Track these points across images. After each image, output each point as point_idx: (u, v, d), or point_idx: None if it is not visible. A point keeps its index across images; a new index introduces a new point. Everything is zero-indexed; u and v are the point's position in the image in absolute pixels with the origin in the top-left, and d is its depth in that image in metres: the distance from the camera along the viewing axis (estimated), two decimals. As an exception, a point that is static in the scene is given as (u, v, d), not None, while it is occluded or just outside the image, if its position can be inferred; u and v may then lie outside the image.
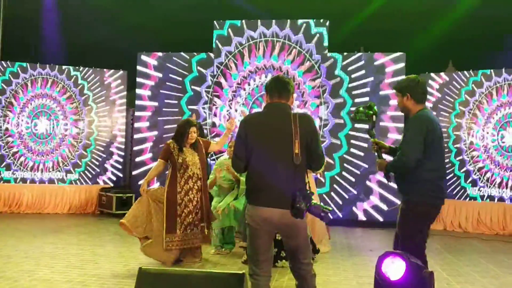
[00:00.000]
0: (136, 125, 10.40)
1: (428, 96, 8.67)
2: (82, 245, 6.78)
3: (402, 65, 9.52)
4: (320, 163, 3.50)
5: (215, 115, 9.97)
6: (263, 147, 3.35)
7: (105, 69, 10.62)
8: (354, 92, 9.66)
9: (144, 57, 10.35)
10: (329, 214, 3.40)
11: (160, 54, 10.34)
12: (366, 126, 4.32)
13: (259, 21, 9.98)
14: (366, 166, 9.48)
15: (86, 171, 10.40)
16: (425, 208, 3.83)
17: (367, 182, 9.52)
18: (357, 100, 9.60)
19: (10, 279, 4.90)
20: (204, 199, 5.91)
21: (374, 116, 4.08)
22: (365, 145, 9.44)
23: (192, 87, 10.16)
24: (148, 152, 10.26)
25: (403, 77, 9.15)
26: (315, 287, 3.52)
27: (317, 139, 3.41)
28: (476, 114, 9.46)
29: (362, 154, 9.51)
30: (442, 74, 9.99)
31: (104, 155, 10.51)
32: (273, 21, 9.91)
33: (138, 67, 10.35)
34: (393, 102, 9.31)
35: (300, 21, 9.77)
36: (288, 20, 9.84)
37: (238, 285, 3.57)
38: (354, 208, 9.52)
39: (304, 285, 3.49)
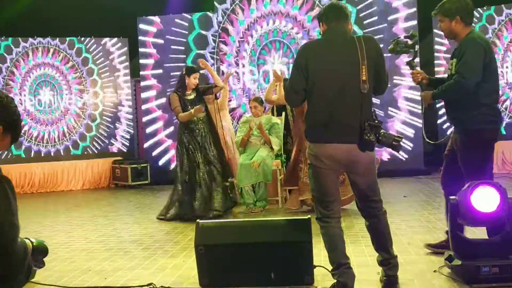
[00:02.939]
0: (143, 95, 10.06)
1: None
2: (109, 216, 6.53)
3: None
4: (385, 88, 3.24)
5: (222, 62, 9.64)
6: (327, 75, 3.05)
7: (105, 38, 10.20)
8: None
9: (143, 23, 9.97)
10: (400, 143, 3.17)
11: (159, 17, 9.95)
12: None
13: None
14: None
15: (94, 142, 10.10)
16: (489, 134, 3.62)
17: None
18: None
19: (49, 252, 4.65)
20: None
21: (416, 46, 3.83)
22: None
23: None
24: (159, 120, 9.97)
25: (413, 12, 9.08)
26: (388, 225, 3.30)
27: (384, 62, 3.13)
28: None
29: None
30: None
31: (112, 127, 10.21)
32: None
33: (140, 26, 9.95)
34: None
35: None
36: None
37: (305, 231, 3.37)
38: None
39: (377, 224, 3.25)
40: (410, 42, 3.84)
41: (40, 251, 2.22)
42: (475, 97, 3.55)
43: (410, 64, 3.95)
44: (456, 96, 3.64)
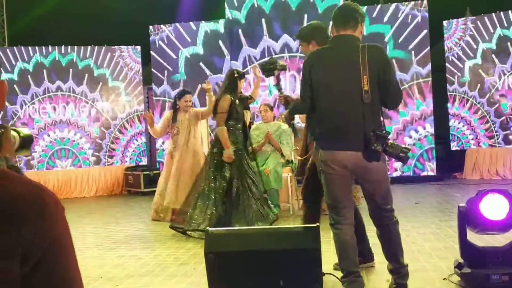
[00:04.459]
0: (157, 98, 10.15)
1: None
2: (122, 223, 6.60)
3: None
4: (396, 100, 3.22)
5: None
6: (329, 84, 3.09)
7: (116, 46, 10.29)
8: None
9: (155, 31, 10.06)
10: (408, 154, 3.17)
11: (170, 25, 10.04)
12: None
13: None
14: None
15: (108, 152, 10.17)
16: None
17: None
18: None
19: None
20: None
21: (275, 71, 4.19)
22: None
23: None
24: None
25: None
26: (400, 234, 3.29)
27: (390, 71, 3.11)
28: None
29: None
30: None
31: (124, 134, 10.29)
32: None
33: (152, 35, 10.04)
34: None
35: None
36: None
37: (314, 239, 3.37)
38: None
39: (388, 233, 3.24)
40: (268, 66, 4.25)
41: (28, 140, 2.19)
42: None
43: (276, 87, 4.26)
44: (302, 112, 4.00)
